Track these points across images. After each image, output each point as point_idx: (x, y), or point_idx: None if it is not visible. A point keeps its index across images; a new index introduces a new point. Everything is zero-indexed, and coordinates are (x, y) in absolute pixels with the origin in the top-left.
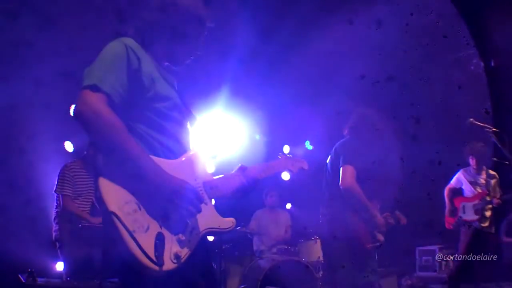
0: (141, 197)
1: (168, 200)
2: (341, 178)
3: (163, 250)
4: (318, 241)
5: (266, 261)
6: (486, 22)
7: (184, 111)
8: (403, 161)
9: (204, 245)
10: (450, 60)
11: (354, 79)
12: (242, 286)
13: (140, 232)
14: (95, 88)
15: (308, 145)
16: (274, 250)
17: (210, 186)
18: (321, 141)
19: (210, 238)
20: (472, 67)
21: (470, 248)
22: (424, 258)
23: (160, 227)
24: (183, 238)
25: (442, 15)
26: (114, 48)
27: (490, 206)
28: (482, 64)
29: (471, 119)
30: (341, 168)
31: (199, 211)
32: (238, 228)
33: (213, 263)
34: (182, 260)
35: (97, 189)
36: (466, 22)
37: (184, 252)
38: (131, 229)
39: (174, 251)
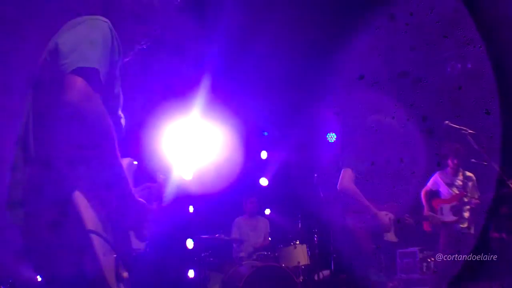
0: (107, 219)
1: (131, 220)
2: (339, 181)
3: (118, 272)
4: (298, 246)
5: (246, 267)
6: None
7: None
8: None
9: None
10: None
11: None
12: None
13: (106, 254)
14: (95, 73)
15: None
16: (254, 256)
17: None
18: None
19: (190, 246)
20: (449, 69)
21: (450, 249)
22: (405, 260)
23: (113, 249)
24: (125, 259)
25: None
26: (103, 28)
27: (468, 207)
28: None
29: (447, 122)
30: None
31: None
32: (217, 235)
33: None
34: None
35: (68, 203)
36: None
37: (126, 275)
38: (102, 250)
39: (125, 275)
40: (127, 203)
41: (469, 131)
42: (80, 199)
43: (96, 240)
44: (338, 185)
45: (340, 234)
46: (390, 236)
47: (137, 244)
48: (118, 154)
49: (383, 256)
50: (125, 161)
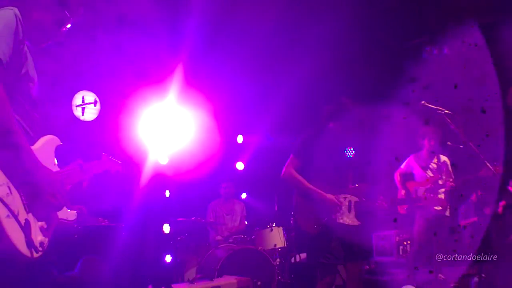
0: (13, 180)
1: (37, 186)
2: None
3: (31, 237)
4: (274, 229)
5: (222, 250)
6: None
7: (38, 95)
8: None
9: None
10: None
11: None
12: (199, 276)
13: (12, 218)
14: None
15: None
16: (230, 240)
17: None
18: (277, 130)
19: (166, 230)
20: (425, 55)
21: (425, 232)
22: (381, 243)
23: (27, 213)
24: (45, 226)
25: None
26: (6, 16)
27: (443, 190)
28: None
29: (423, 102)
30: None
31: (63, 201)
32: (193, 218)
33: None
34: (45, 249)
35: None
36: None
37: (46, 241)
38: (4, 214)
39: (39, 239)
40: (30, 172)
41: (445, 111)
42: None
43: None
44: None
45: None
46: (348, 219)
47: (64, 215)
48: (12, 119)
49: (334, 238)
50: (46, 138)
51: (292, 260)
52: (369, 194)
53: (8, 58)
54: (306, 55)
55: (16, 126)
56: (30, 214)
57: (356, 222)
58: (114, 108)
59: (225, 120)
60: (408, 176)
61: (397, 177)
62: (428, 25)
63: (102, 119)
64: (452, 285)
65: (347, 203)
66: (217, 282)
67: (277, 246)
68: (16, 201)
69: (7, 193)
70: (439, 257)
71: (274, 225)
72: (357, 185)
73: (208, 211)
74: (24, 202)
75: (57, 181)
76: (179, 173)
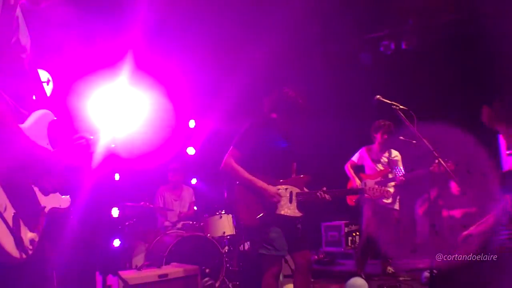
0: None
1: (27, 171)
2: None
3: (20, 235)
4: (223, 216)
5: (171, 237)
6: None
7: (31, 67)
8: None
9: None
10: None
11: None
12: (147, 263)
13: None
14: None
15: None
16: (179, 225)
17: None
18: (229, 116)
19: (115, 214)
20: (382, 49)
21: (374, 224)
22: (330, 233)
23: (14, 207)
24: (35, 220)
25: None
26: None
27: (393, 183)
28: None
29: (378, 96)
30: None
31: (58, 185)
32: (141, 203)
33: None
34: (35, 246)
35: None
36: None
37: (36, 237)
38: None
39: (29, 236)
40: (17, 156)
41: (400, 106)
42: None
43: None
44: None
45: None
46: (289, 211)
47: (56, 202)
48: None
49: (274, 230)
50: (38, 113)
51: (241, 247)
52: (311, 185)
53: None
54: (262, 43)
55: (4, 103)
56: (17, 208)
57: (297, 214)
58: (65, 88)
59: (177, 104)
60: (358, 168)
61: (348, 168)
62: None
63: (54, 98)
64: (401, 278)
65: (288, 194)
66: (164, 269)
67: (226, 234)
68: (1, 194)
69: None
70: (388, 249)
71: (223, 212)
72: (301, 176)
73: (156, 197)
74: (11, 195)
75: (53, 160)
76: (129, 156)
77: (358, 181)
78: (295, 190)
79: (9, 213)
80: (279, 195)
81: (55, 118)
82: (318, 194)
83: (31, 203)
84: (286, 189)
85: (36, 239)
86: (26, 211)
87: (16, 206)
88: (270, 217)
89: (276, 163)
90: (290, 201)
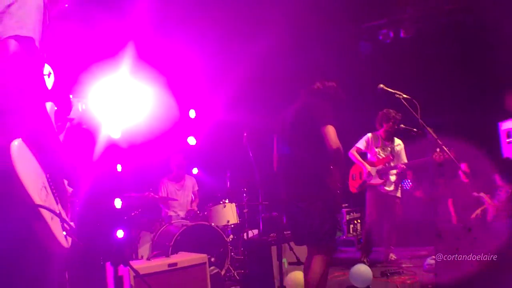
0: (48, 173)
1: (62, 171)
2: None
3: (65, 224)
4: (227, 205)
5: (175, 226)
6: None
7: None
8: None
9: None
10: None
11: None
12: (155, 253)
13: (55, 217)
14: (31, 42)
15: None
16: (183, 215)
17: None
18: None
19: (118, 205)
20: (381, 37)
21: (376, 211)
22: None
23: (57, 204)
24: (67, 210)
25: None
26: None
27: (395, 171)
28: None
29: (382, 85)
30: None
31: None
32: (146, 194)
33: None
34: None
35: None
36: None
37: (73, 225)
38: (49, 217)
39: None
40: (59, 161)
41: (404, 95)
42: (21, 153)
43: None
44: None
45: None
46: None
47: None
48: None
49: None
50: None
51: (245, 236)
52: None
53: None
54: (263, 32)
55: (50, 122)
56: (59, 205)
57: None
58: (67, 81)
59: (178, 94)
60: (361, 155)
61: (354, 154)
62: (386, 8)
63: (55, 91)
64: (403, 265)
65: None
66: (173, 258)
67: (230, 223)
68: (51, 198)
69: (46, 194)
70: (391, 236)
71: (227, 201)
72: None
73: (159, 187)
74: (55, 195)
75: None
76: (131, 147)
77: (368, 167)
78: None
79: (59, 206)
80: None
81: (56, 108)
82: None
83: (64, 192)
84: None
85: (74, 227)
86: (64, 201)
87: (59, 203)
88: None
89: None
90: None
